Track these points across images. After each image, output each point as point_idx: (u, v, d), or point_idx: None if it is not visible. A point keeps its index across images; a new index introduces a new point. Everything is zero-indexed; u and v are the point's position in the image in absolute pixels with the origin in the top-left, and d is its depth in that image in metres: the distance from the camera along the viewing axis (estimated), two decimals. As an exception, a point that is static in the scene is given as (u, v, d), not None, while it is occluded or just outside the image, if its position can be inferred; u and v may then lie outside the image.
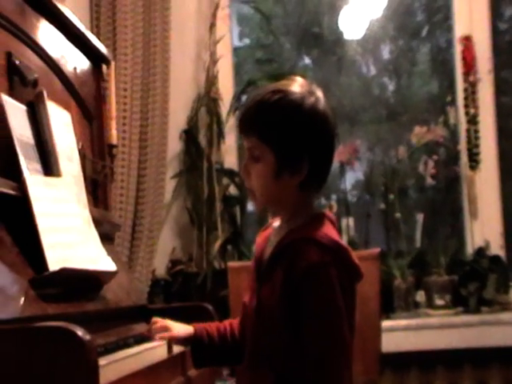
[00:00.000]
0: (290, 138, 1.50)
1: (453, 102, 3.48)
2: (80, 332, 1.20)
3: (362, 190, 3.69)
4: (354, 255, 1.51)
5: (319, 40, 3.88)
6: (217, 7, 3.40)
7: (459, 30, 3.46)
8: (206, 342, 1.63)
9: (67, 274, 1.49)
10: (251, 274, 1.61)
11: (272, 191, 1.53)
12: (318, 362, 1.43)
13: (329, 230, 1.50)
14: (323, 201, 3.41)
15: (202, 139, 3.36)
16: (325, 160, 1.55)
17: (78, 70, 2.12)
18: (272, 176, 1.51)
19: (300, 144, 1.50)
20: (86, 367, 1.18)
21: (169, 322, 1.65)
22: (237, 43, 3.75)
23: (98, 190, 2.12)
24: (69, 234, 1.63)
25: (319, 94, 1.54)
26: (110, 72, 2.29)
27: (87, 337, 1.20)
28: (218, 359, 1.69)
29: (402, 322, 3.07)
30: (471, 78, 3.40)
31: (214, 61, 3.40)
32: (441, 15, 3.77)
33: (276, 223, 1.62)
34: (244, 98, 3.47)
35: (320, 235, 1.47)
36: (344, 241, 3.12)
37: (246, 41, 3.99)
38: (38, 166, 1.68)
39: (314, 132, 1.51)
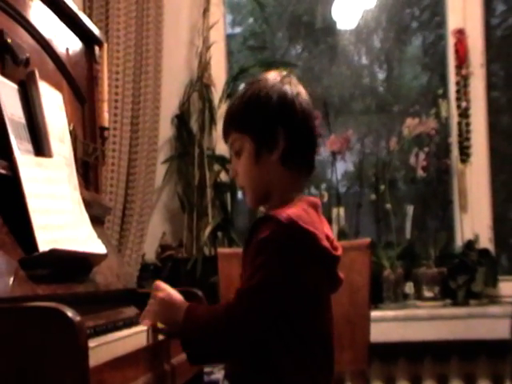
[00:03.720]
0: (260, 117, 1.55)
1: (445, 95, 3.48)
2: (70, 313, 1.18)
3: (352, 180, 3.69)
4: (325, 239, 1.49)
5: (312, 29, 3.86)
6: (211, -8, 3.39)
7: (452, 22, 3.46)
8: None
9: (57, 255, 1.47)
10: None
11: (257, 177, 1.56)
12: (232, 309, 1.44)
13: (296, 211, 1.49)
14: (313, 190, 3.40)
15: (194, 125, 3.36)
16: (301, 130, 1.57)
17: (71, 51, 2.09)
18: (253, 161, 1.55)
19: (271, 120, 1.54)
20: (76, 348, 1.17)
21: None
22: (228, 31, 3.73)
23: (88, 172, 2.10)
24: (59, 216, 1.61)
25: (290, 77, 1.61)
26: (103, 54, 2.27)
27: (77, 318, 1.18)
28: (217, 356, 1.66)
29: (391, 313, 3.07)
30: (463, 72, 3.39)
31: (206, 46, 3.39)
32: (434, 8, 3.77)
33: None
34: (236, 85, 3.46)
35: (280, 214, 1.47)
36: (334, 230, 3.13)
37: (238, 29, 3.97)
38: (29, 146, 1.65)
39: (282, 103, 1.56)
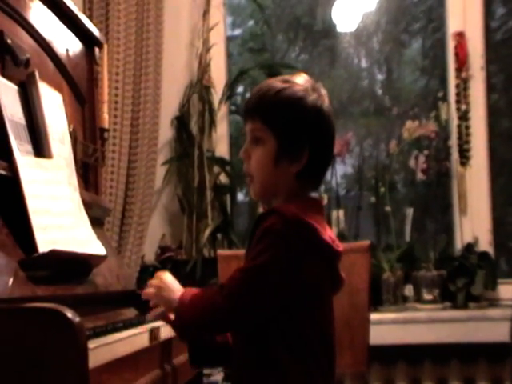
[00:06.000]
0: (292, 125, 1.53)
1: (445, 98, 3.48)
2: (70, 314, 1.18)
3: (352, 182, 3.69)
4: (326, 234, 1.50)
5: (311, 31, 3.86)
6: (211, -6, 3.39)
7: (452, 25, 3.46)
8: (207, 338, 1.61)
9: (57, 256, 1.47)
10: None
11: (270, 176, 1.54)
12: (229, 290, 1.44)
13: (300, 208, 1.49)
14: (313, 193, 3.39)
15: (194, 127, 3.35)
16: (324, 154, 1.57)
17: (71, 52, 2.09)
18: (272, 161, 1.53)
19: (302, 133, 1.53)
20: (76, 349, 1.17)
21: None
22: (228, 33, 3.73)
23: (88, 173, 2.10)
24: (59, 217, 1.61)
25: (323, 91, 1.59)
26: (103, 55, 2.27)
27: (77, 319, 1.18)
28: (219, 358, 1.65)
29: (390, 316, 3.07)
30: (463, 74, 3.39)
31: (206, 48, 3.39)
32: (434, 11, 3.77)
33: None
34: (236, 86, 3.47)
35: (285, 209, 1.48)
36: (334, 233, 3.13)
37: (238, 31, 3.97)
38: (29, 147, 1.65)
39: (317, 123, 1.54)
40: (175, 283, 1.53)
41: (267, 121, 1.53)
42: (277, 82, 1.56)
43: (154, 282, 1.55)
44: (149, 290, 1.54)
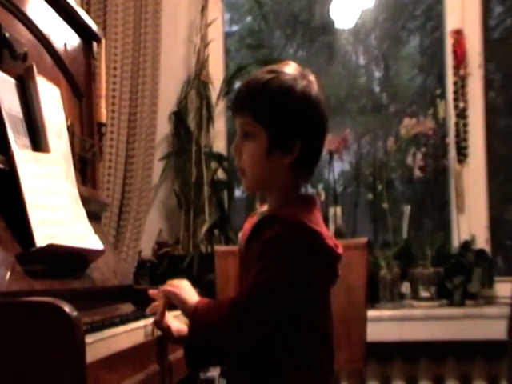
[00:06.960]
0: (282, 117, 1.51)
1: (442, 95, 3.47)
2: (67, 308, 1.18)
3: (349, 180, 3.69)
4: (329, 237, 1.50)
5: (309, 28, 3.86)
6: (209, -10, 3.39)
7: (450, 23, 3.46)
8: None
9: (54, 251, 1.47)
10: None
11: (263, 170, 1.53)
12: (240, 305, 1.45)
13: (301, 211, 1.49)
14: (310, 189, 3.39)
15: (192, 122, 3.35)
16: (316, 142, 1.56)
17: (69, 47, 2.08)
18: (264, 155, 1.52)
19: (293, 124, 1.51)
20: (73, 344, 1.16)
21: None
22: (226, 29, 3.73)
23: (86, 168, 2.09)
24: (57, 211, 1.61)
25: (311, 77, 1.56)
26: (101, 50, 2.27)
27: (74, 313, 1.18)
28: (216, 360, 1.65)
29: (387, 313, 3.07)
30: (461, 72, 3.39)
31: (204, 44, 3.38)
32: (432, 8, 3.77)
33: (262, 209, 1.61)
34: (234, 82, 3.46)
35: (287, 214, 1.47)
36: (331, 229, 3.13)
37: (236, 27, 3.97)
38: (27, 141, 1.65)
39: (307, 113, 1.53)
40: (193, 291, 1.55)
41: (257, 115, 1.51)
42: (264, 74, 1.53)
43: (173, 282, 1.56)
44: (166, 287, 1.55)
